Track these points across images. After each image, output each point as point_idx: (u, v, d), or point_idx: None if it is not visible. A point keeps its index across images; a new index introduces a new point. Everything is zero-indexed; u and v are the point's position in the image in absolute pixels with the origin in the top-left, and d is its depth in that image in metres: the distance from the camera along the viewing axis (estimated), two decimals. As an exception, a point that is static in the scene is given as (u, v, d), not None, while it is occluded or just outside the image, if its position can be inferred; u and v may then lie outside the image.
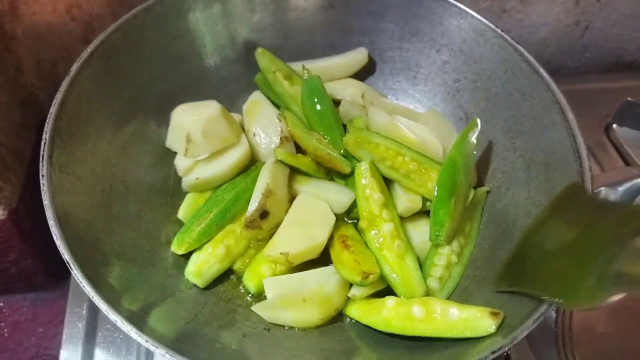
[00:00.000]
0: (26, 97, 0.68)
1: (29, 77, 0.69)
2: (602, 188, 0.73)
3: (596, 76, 0.93)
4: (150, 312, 0.49)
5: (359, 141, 0.59)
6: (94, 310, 0.64)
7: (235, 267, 0.58)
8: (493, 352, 0.43)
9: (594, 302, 0.50)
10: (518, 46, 0.60)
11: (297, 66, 0.69)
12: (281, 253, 0.53)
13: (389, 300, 0.53)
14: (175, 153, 0.63)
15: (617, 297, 0.52)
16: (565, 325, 0.64)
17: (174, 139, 0.62)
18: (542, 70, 0.58)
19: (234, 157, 0.61)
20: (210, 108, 0.60)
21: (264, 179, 0.56)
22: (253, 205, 0.55)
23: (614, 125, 0.84)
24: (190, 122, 0.59)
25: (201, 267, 0.56)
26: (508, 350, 0.44)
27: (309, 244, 0.54)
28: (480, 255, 0.57)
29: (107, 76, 0.58)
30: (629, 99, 0.83)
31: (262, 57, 0.68)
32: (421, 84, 0.70)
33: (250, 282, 0.56)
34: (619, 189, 0.74)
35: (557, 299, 0.45)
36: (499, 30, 0.62)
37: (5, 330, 0.70)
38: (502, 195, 0.59)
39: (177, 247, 0.57)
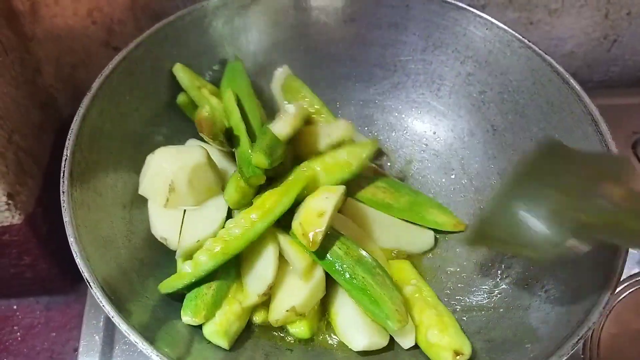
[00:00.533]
0: (44, 100, 0.68)
1: (48, 79, 0.69)
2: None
3: (623, 91, 0.90)
4: (170, 331, 0.48)
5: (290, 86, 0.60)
6: (111, 323, 0.62)
7: (259, 320, 0.53)
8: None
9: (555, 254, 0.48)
10: (546, 56, 0.58)
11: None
12: (287, 311, 0.50)
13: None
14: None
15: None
16: (594, 352, 0.61)
17: (151, 186, 0.55)
18: (572, 81, 0.56)
19: (221, 209, 0.56)
20: (196, 154, 0.54)
21: (272, 265, 0.51)
22: (264, 286, 0.51)
23: (642, 143, 0.82)
24: (174, 170, 0.53)
25: (224, 326, 0.49)
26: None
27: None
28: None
29: (129, 93, 0.58)
30: (658, 115, 0.81)
31: (183, 74, 0.61)
32: (445, 97, 0.68)
33: (297, 328, 0.52)
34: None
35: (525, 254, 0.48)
36: (526, 41, 0.60)
37: (19, 334, 0.69)
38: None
39: (195, 316, 0.48)
